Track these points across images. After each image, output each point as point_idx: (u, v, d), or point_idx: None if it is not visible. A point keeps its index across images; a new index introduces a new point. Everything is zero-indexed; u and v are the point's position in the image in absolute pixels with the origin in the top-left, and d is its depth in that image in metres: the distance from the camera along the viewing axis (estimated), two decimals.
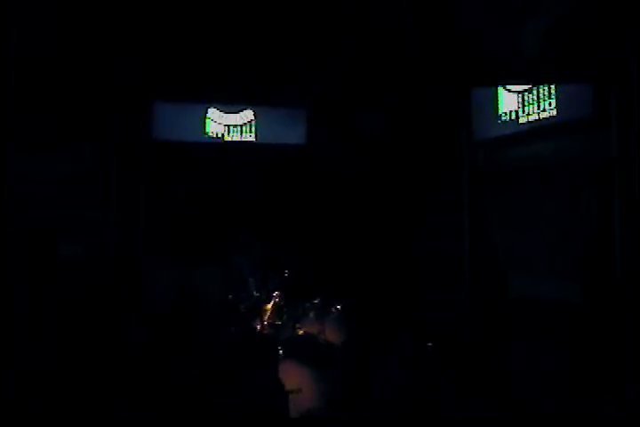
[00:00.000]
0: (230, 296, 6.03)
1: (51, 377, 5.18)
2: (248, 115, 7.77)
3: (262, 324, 6.03)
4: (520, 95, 5.68)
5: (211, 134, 7.69)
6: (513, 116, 5.77)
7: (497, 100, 5.97)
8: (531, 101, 5.54)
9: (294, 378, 4.99)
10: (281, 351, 5.39)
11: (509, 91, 5.81)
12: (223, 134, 7.73)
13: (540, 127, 5.46)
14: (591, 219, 4.93)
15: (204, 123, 7.69)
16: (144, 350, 5.75)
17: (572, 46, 4.68)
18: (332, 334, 5.99)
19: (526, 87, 5.59)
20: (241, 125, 7.76)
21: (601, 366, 4.56)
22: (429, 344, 5.86)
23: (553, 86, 5.29)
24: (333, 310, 6.17)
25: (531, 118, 5.55)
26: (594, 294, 4.86)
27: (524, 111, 5.63)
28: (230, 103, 7.71)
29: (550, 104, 5.32)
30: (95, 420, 4.32)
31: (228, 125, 7.73)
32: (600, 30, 4.41)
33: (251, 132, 7.77)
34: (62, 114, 6.92)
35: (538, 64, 4.98)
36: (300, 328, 5.96)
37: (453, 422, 4.54)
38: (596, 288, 4.85)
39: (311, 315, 6.13)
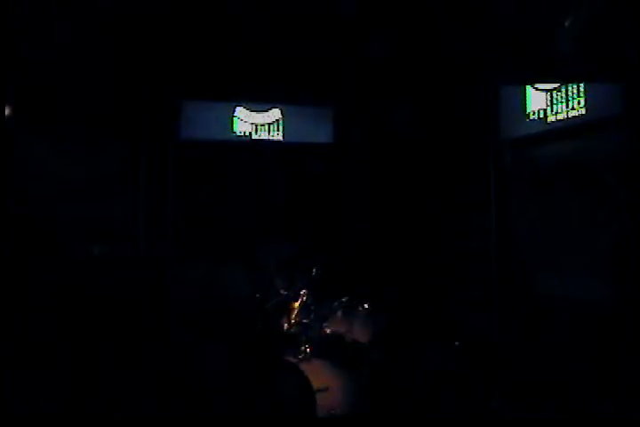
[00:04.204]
0: (257, 295, 6.06)
1: (71, 372, 5.26)
2: (275, 113, 7.82)
3: (289, 322, 6.06)
4: (548, 94, 5.63)
5: (238, 133, 7.75)
6: (541, 115, 5.73)
7: (525, 99, 5.93)
8: (559, 100, 5.50)
9: (321, 377, 5.02)
10: (308, 350, 5.44)
11: (538, 89, 5.77)
12: (251, 133, 7.78)
13: (568, 126, 5.43)
14: (620, 218, 4.89)
15: (232, 121, 7.74)
16: (171, 349, 5.81)
17: (603, 44, 4.64)
18: (359, 333, 6.01)
19: (555, 85, 5.55)
20: (268, 124, 7.80)
21: (628, 367, 4.53)
22: (456, 343, 5.86)
23: (582, 85, 5.25)
24: (361, 308, 6.19)
25: (559, 117, 5.51)
26: (623, 293, 4.83)
27: (552, 110, 5.58)
28: (257, 102, 7.76)
29: (579, 103, 5.28)
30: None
31: (256, 124, 7.78)
32: (632, 28, 4.37)
33: (278, 130, 7.81)
34: (91, 114, 7.01)
35: (569, 62, 4.94)
36: (327, 327, 5.98)
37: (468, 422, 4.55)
38: (625, 287, 4.81)
39: (339, 314, 6.15)
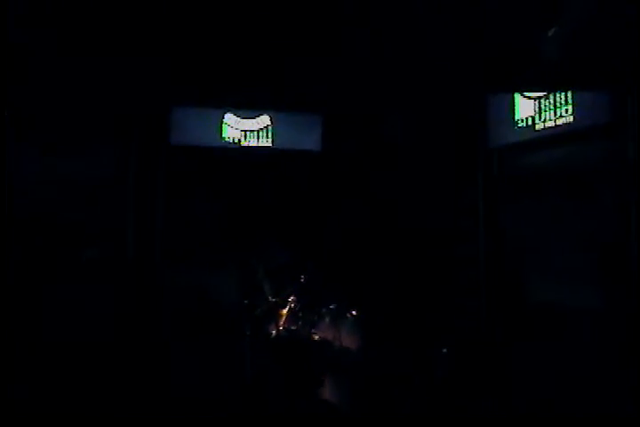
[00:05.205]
0: (246, 301, 6.05)
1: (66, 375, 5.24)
2: (265, 120, 7.81)
3: (277, 329, 6.05)
4: (537, 101, 5.67)
5: (228, 139, 7.73)
6: (529, 123, 5.76)
7: (513, 107, 5.96)
8: (547, 108, 5.54)
9: None
10: None
11: (526, 97, 5.80)
12: (240, 139, 7.77)
13: (556, 133, 5.46)
14: (609, 224, 4.91)
15: (222, 128, 7.73)
16: (163, 351, 5.80)
17: (590, 53, 4.68)
18: (347, 340, 6.01)
19: (543, 93, 5.58)
20: (257, 131, 7.79)
21: (620, 371, 4.55)
22: (444, 350, 5.86)
23: (570, 92, 5.28)
24: (349, 315, 6.19)
25: (547, 125, 5.54)
26: (613, 299, 4.84)
27: (540, 117, 5.62)
28: (247, 109, 7.75)
29: (567, 110, 5.32)
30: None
31: (245, 131, 7.77)
32: (619, 37, 4.40)
33: (267, 137, 7.80)
34: (82, 118, 6.99)
35: (556, 70, 4.97)
36: (315, 334, 5.98)
37: (461, 423, 4.54)
38: (615, 293, 4.83)
39: (327, 320, 6.15)
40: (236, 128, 7.75)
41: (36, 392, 4.66)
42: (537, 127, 5.68)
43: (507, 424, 4.58)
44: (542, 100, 5.61)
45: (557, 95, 5.42)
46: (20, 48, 5.58)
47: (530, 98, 5.75)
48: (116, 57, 6.48)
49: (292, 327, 6.09)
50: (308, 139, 7.87)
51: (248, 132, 7.79)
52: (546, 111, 5.56)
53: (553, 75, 5.06)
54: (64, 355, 5.58)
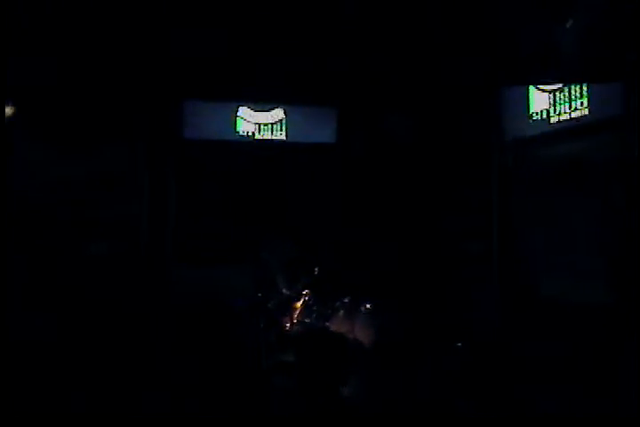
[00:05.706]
0: (259, 295, 6.06)
1: (72, 371, 5.28)
2: (279, 113, 7.81)
3: (291, 322, 6.06)
4: (551, 94, 5.63)
5: (241, 133, 7.74)
6: (544, 116, 5.72)
7: (528, 100, 5.92)
8: (562, 101, 5.50)
9: None
10: None
11: (540, 90, 5.76)
12: (254, 133, 7.77)
13: (571, 127, 5.42)
14: (622, 219, 4.88)
15: (235, 121, 7.74)
16: (171, 348, 5.83)
17: (605, 45, 4.64)
18: (361, 333, 6.01)
19: (558, 86, 5.54)
20: (272, 124, 7.79)
21: (629, 368, 4.53)
22: (459, 344, 5.85)
23: (585, 85, 5.24)
24: (363, 309, 6.19)
25: (562, 118, 5.50)
26: (624, 295, 4.81)
27: (555, 110, 5.58)
28: (261, 102, 7.75)
29: (582, 103, 5.27)
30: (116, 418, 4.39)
31: (259, 124, 7.77)
32: (632, 30, 4.36)
33: (281, 130, 7.80)
34: (93, 113, 7.02)
35: (571, 63, 4.93)
36: (329, 327, 5.98)
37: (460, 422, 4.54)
38: (626, 289, 4.80)
39: (340, 313, 6.15)
40: (250, 121, 7.75)
41: (37, 392, 4.70)
42: (552, 120, 5.64)
43: (510, 422, 4.57)
44: (557, 93, 5.56)
45: (572, 88, 5.38)
46: (29, 43, 5.61)
47: (544, 91, 5.71)
48: (128, 50, 6.51)
49: (306, 320, 6.11)
50: (323, 132, 7.87)
51: (262, 126, 7.79)
52: (561, 104, 5.52)
53: (567, 67, 5.03)
54: (64, 354, 5.62)
